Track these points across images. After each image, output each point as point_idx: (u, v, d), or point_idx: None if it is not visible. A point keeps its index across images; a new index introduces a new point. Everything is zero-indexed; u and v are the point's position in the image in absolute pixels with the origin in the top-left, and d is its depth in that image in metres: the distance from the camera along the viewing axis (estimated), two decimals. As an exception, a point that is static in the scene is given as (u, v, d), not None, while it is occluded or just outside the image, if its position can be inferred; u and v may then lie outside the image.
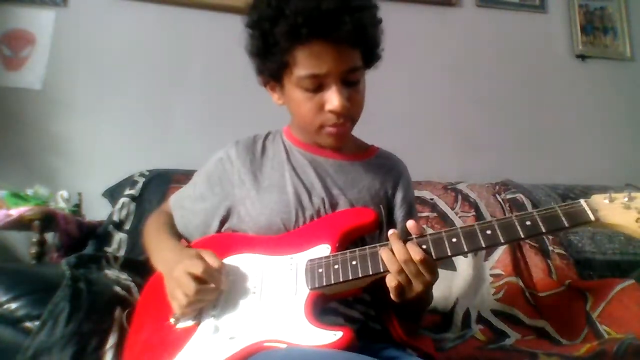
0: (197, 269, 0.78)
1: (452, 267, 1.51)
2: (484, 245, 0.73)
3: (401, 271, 0.72)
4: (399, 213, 0.97)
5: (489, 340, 1.31)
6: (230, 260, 0.87)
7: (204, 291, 0.78)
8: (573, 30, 2.42)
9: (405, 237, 0.76)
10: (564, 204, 0.72)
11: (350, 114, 0.87)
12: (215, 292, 0.80)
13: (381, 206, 0.95)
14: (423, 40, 2.21)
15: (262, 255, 0.86)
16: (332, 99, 0.82)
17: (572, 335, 1.29)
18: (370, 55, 0.88)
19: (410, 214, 0.98)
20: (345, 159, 0.97)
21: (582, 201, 0.71)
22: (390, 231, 0.76)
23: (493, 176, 1.89)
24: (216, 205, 0.95)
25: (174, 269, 0.81)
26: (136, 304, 0.95)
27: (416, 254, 0.71)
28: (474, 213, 1.66)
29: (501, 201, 1.73)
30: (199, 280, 0.78)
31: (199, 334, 0.78)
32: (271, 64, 0.84)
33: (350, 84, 0.85)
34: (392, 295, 0.74)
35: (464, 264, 1.52)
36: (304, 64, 0.80)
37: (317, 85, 0.83)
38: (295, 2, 0.77)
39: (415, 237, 0.75)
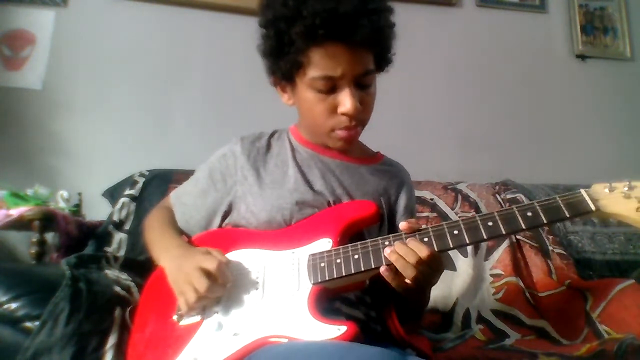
0: (211, 264, 0.78)
1: (452, 267, 1.51)
2: (485, 237, 0.73)
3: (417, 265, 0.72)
4: (401, 220, 0.96)
5: (489, 340, 1.30)
6: (232, 255, 0.87)
7: (213, 288, 0.78)
8: (573, 30, 2.42)
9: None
10: (564, 194, 0.72)
11: (361, 118, 0.87)
12: (223, 289, 0.80)
13: (383, 207, 0.95)
14: (423, 40, 2.21)
15: (263, 250, 0.86)
16: (345, 101, 0.82)
17: (572, 335, 1.29)
18: (383, 59, 0.88)
19: None
20: (351, 161, 0.97)
21: (582, 191, 0.72)
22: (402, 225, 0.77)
23: (493, 176, 1.89)
24: (218, 201, 0.96)
25: (184, 264, 0.81)
26: (138, 302, 0.95)
27: (422, 251, 0.72)
28: (473, 213, 1.66)
29: (501, 201, 1.73)
30: (209, 276, 0.78)
31: (203, 330, 0.79)
32: (285, 64, 0.84)
33: (363, 87, 0.85)
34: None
35: (464, 264, 1.52)
36: (319, 64, 0.81)
37: (331, 87, 0.83)
38: (313, 3, 0.77)
39: (417, 231, 0.76)
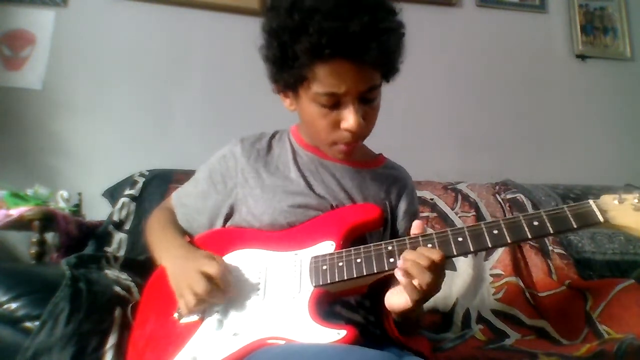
0: (213, 269, 0.78)
1: (452, 267, 1.51)
2: (490, 245, 0.72)
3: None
4: (402, 224, 0.96)
5: (489, 340, 1.30)
6: (234, 255, 0.87)
7: (213, 293, 0.78)
8: (573, 30, 2.42)
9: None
10: (572, 204, 0.70)
11: (363, 133, 0.86)
12: (223, 295, 0.80)
13: (387, 211, 0.94)
14: (423, 40, 2.21)
15: (265, 250, 0.86)
16: (349, 118, 0.81)
17: (572, 335, 1.29)
18: (390, 72, 0.87)
19: None
20: (352, 165, 0.96)
21: (591, 202, 0.69)
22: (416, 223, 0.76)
23: (493, 176, 1.89)
24: (219, 203, 0.95)
25: (186, 266, 0.81)
26: (140, 300, 0.95)
27: (435, 254, 0.71)
28: (474, 213, 1.66)
29: (501, 201, 1.73)
30: (210, 280, 0.77)
31: (203, 329, 0.79)
32: (288, 76, 0.81)
33: (367, 101, 0.83)
34: (410, 295, 0.73)
35: (464, 264, 1.52)
36: (323, 81, 0.78)
37: (334, 103, 0.81)
38: (320, 19, 0.73)
39: (421, 236, 0.75)
